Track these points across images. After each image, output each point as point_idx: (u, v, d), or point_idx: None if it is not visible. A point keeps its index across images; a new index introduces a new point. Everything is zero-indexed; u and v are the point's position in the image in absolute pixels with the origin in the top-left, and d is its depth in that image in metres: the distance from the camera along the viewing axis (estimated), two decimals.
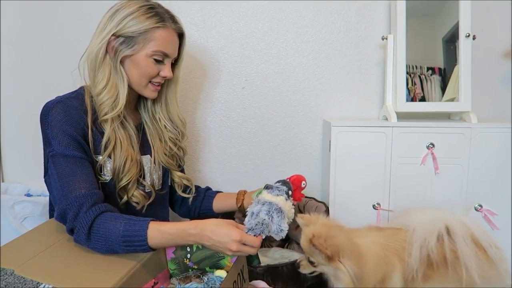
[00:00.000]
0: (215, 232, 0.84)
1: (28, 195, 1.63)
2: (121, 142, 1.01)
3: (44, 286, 0.92)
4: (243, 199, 1.21)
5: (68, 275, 0.80)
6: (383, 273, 0.88)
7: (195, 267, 0.98)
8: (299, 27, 1.56)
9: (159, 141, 1.17)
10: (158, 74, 1.05)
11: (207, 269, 0.98)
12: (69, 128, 0.94)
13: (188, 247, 0.98)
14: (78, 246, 0.90)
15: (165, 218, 1.24)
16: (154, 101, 1.16)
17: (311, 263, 0.91)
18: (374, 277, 0.87)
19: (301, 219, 0.96)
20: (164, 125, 1.17)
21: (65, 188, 0.90)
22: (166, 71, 1.05)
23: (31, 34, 1.58)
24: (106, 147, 0.99)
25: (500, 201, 1.38)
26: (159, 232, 0.85)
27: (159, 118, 1.17)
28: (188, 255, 0.98)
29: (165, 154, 1.17)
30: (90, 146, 0.97)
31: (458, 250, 0.87)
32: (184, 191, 1.25)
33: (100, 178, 1.00)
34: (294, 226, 1.13)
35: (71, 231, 0.89)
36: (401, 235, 0.94)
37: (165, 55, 1.03)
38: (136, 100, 1.15)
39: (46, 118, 0.95)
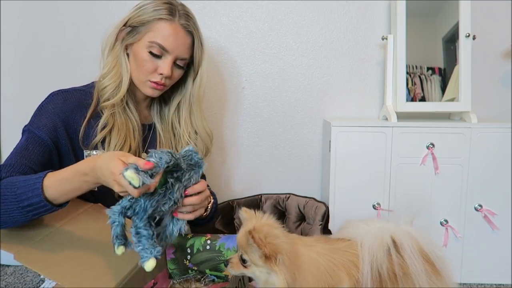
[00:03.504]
0: (103, 169, 0.73)
1: None
2: (118, 128, 1.00)
3: (44, 286, 0.92)
4: None
5: (68, 270, 0.78)
6: (328, 286, 0.81)
7: (195, 268, 0.98)
8: (299, 27, 1.56)
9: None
10: (155, 71, 1.00)
11: (207, 271, 0.98)
12: (56, 116, 0.94)
13: (188, 249, 0.98)
14: (78, 234, 0.88)
15: None
16: (177, 110, 1.12)
17: (243, 261, 0.81)
18: None
19: (244, 213, 0.87)
20: (187, 142, 1.10)
21: (10, 155, 0.91)
22: (163, 67, 0.99)
23: (31, 34, 1.58)
24: (101, 130, 0.98)
25: (500, 201, 1.39)
26: (54, 179, 0.78)
27: (182, 134, 1.10)
28: (188, 257, 0.97)
29: None
30: (79, 138, 0.96)
31: (409, 266, 0.82)
32: None
33: None
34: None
35: None
36: (350, 247, 0.87)
37: (163, 49, 0.98)
38: (149, 100, 1.12)
39: (44, 100, 0.98)
